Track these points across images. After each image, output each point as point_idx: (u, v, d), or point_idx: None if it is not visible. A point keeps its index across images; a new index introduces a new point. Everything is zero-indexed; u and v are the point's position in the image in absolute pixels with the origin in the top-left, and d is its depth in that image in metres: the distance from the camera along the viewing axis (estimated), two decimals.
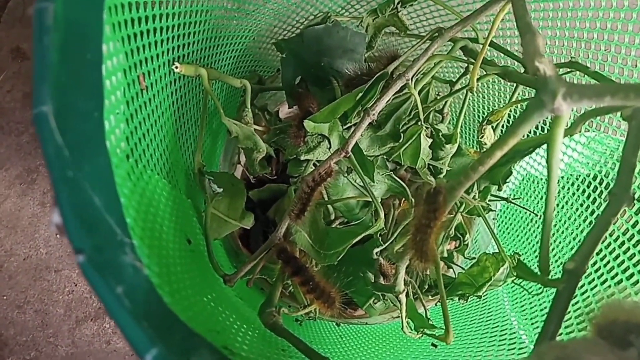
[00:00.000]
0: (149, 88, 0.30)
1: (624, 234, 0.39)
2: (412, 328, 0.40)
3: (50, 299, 0.76)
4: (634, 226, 0.37)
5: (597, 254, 0.41)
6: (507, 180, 0.37)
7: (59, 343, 0.76)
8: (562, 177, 0.60)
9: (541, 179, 0.64)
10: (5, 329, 0.75)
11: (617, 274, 0.37)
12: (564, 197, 0.58)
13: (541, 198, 0.64)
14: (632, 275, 0.35)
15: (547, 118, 0.33)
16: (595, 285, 0.38)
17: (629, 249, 0.37)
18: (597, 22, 0.38)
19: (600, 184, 0.52)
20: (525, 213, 0.64)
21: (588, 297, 0.38)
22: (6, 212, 0.77)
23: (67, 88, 0.18)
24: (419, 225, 0.28)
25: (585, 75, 0.37)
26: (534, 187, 0.66)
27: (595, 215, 0.50)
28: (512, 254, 0.48)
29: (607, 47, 0.38)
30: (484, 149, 0.46)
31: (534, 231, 0.60)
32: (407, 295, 0.38)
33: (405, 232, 0.42)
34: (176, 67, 0.34)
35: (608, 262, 0.39)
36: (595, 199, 0.52)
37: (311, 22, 0.51)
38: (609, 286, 0.37)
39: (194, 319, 0.22)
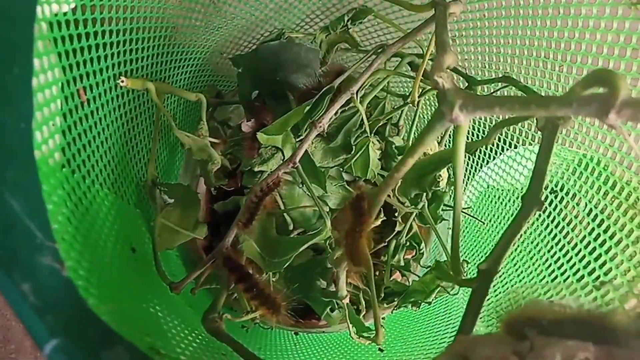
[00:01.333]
0: (91, 101, 0.31)
1: (538, 235, 0.41)
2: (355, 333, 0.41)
3: (12, 313, 0.75)
4: (545, 228, 0.39)
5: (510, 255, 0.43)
6: (434, 186, 0.39)
7: (21, 359, 0.75)
8: (518, 189, 0.62)
9: (500, 191, 0.67)
10: None
11: (522, 272, 0.39)
12: (515, 209, 0.60)
13: (498, 209, 0.66)
14: (540, 272, 0.37)
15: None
16: (505, 284, 0.40)
17: (531, 251, 0.39)
18: (527, 40, 0.40)
19: (551, 192, 0.54)
20: (490, 224, 0.66)
21: (499, 295, 0.40)
22: None
23: None
24: (348, 230, 0.29)
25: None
26: (494, 199, 0.68)
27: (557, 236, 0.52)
28: (462, 260, 0.50)
29: (536, 62, 0.40)
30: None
31: (487, 240, 0.62)
32: (351, 302, 0.39)
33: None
34: (122, 82, 0.35)
35: (516, 262, 0.41)
36: (551, 214, 0.54)
37: (266, 38, 0.53)
38: (519, 285, 0.39)
39: (122, 321, 0.23)
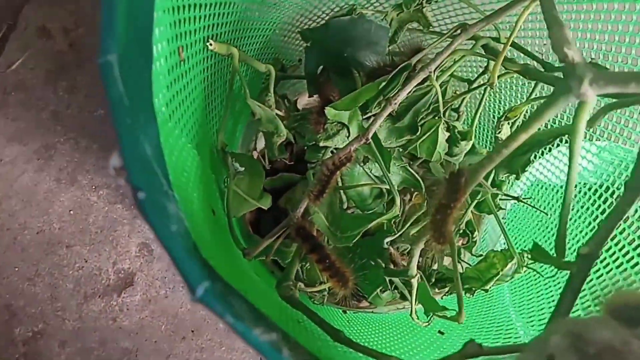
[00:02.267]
0: (187, 60, 0.31)
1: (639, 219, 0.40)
2: (423, 313, 0.41)
3: (60, 274, 0.78)
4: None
5: (612, 239, 0.42)
6: (526, 169, 0.38)
7: (67, 317, 0.77)
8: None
9: (549, 186, 0.65)
10: (16, 299, 0.76)
11: (633, 257, 0.38)
12: (573, 207, 0.59)
13: (548, 203, 0.65)
14: (637, 263, 0.36)
15: (566, 111, 0.34)
16: (611, 269, 0.39)
17: (634, 240, 0.38)
18: (620, 25, 0.39)
19: (612, 195, 0.52)
20: (533, 216, 0.65)
21: (604, 280, 0.39)
22: (22, 186, 0.79)
23: (128, 44, 0.19)
24: (440, 205, 0.29)
25: None
26: (542, 193, 0.67)
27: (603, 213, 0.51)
28: (521, 251, 0.49)
29: (628, 49, 0.39)
30: None
31: (539, 234, 0.61)
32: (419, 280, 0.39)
33: (419, 223, 0.43)
34: (210, 44, 0.35)
35: (623, 246, 0.40)
36: (600, 205, 0.53)
37: (337, 13, 0.52)
38: (625, 269, 0.38)
39: (226, 277, 0.23)
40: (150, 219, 0.16)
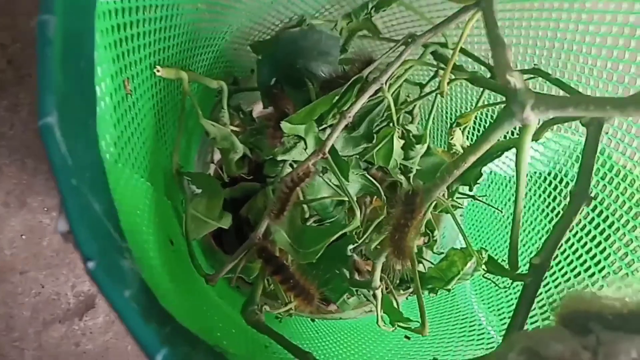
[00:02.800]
0: (133, 91, 0.31)
1: (582, 229, 0.42)
2: (387, 322, 0.42)
3: (15, 302, 0.75)
4: (590, 222, 0.40)
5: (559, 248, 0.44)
6: (478, 182, 0.39)
7: (25, 347, 0.74)
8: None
9: (504, 178, 0.68)
10: None
11: (576, 267, 0.40)
12: (528, 196, 0.62)
13: (505, 196, 0.67)
14: (589, 267, 0.38)
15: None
16: (557, 278, 0.41)
17: (586, 243, 0.40)
18: (558, 33, 0.40)
19: (560, 182, 0.55)
20: (491, 210, 0.67)
21: (550, 289, 0.41)
22: None
23: (67, 97, 0.18)
24: (397, 224, 0.29)
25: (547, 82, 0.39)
26: (498, 185, 0.69)
27: (557, 212, 0.53)
28: (479, 249, 0.50)
29: (567, 55, 0.41)
30: (453, 150, 0.49)
31: (498, 227, 0.64)
32: (382, 291, 0.39)
33: (381, 230, 0.44)
34: (157, 71, 0.34)
35: (568, 256, 0.42)
36: (555, 196, 0.55)
37: (287, 25, 0.52)
38: (569, 279, 0.40)
39: (186, 319, 0.23)
40: (103, 289, 0.15)
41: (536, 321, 0.39)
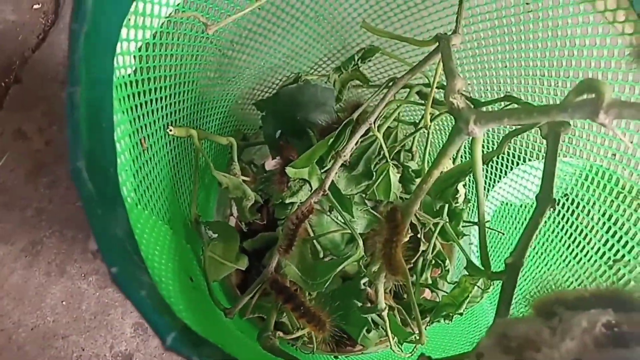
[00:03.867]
0: (150, 148, 0.36)
1: (552, 233, 0.44)
2: (398, 343, 0.44)
3: None
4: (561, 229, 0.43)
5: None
6: (457, 197, 0.42)
7: None
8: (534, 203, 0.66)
9: (519, 206, 0.70)
10: None
11: (548, 265, 0.42)
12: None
13: (518, 221, 0.69)
14: (559, 266, 0.40)
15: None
16: (534, 276, 0.43)
17: (552, 240, 0.42)
18: (522, 61, 0.45)
19: (572, 203, 0.57)
20: (501, 236, 0.69)
21: (527, 285, 0.43)
22: (13, 285, 0.81)
23: (92, 150, 0.23)
24: (385, 241, 0.33)
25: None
26: (511, 212, 0.71)
27: (569, 233, 0.55)
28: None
29: (534, 80, 0.45)
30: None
31: (505, 252, 0.65)
32: (392, 315, 0.42)
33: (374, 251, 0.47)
34: (170, 130, 0.40)
35: (540, 256, 0.44)
36: (568, 218, 0.57)
37: (285, 82, 0.58)
38: (542, 274, 0.42)
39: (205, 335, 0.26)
40: (123, 287, 0.20)
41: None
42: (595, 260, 0.38)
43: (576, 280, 0.39)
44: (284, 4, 0.53)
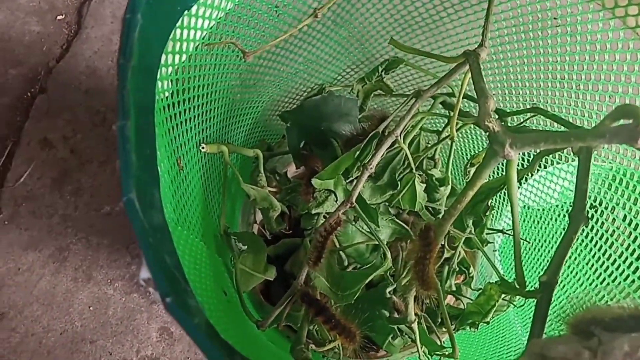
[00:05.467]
0: (184, 167, 0.37)
1: (585, 247, 0.44)
2: (427, 354, 0.44)
3: None
4: (591, 241, 0.43)
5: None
6: (488, 213, 0.43)
7: None
8: (557, 206, 0.65)
9: (539, 209, 0.70)
10: None
11: (580, 280, 0.42)
12: (557, 226, 0.63)
13: (541, 226, 0.69)
14: (592, 281, 0.40)
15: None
16: (566, 291, 0.43)
17: (589, 260, 0.42)
18: (550, 74, 0.45)
19: (596, 211, 0.56)
20: (526, 243, 0.69)
21: (562, 301, 0.43)
22: (42, 291, 0.83)
23: (140, 178, 0.24)
24: (417, 258, 0.33)
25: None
26: (533, 217, 0.71)
27: (595, 240, 0.55)
28: (514, 280, 0.53)
29: (561, 93, 0.45)
30: None
31: (536, 258, 0.65)
32: (418, 324, 0.42)
33: (406, 266, 0.47)
34: (203, 148, 0.41)
35: (572, 270, 0.44)
36: (592, 226, 0.57)
37: (309, 94, 0.59)
38: (577, 292, 0.42)
39: (243, 351, 0.27)
40: (178, 318, 0.20)
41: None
42: (628, 275, 0.38)
43: (608, 294, 0.39)
44: (301, 14, 0.54)
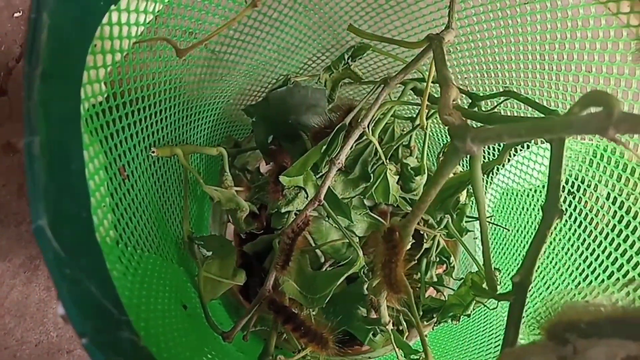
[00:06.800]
0: (130, 176, 0.34)
1: (557, 243, 0.42)
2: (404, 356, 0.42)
3: None
4: (568, 240, 0.41)
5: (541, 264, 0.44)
6: (458, 207, 0.41)
7: None
8: (538, 186, 0.64)
9: (520, 191, 0.68)
10: None
11: (555, 280, 0.40)
12: (539, 208, 0.61)
13: (522, 208, 0.67)
14: (575, 277, 0.39)
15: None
16: (541, 292, 0.41)
17: (562, 257, 0.41)
18: (521, 54, 0.43)
19: (572, 187, 0.54)
20: (506, 226, 0.67)
21: (536, 304, 0.41)
22: (14, 302, 0.80)
23: (57, 200, 0.22)
24: (384, 262, 0.31)
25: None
26: (515, 199, 0.69)
27: (579, 221, 0.53)
28: (494, 268, 0.51)
29: (533, 74, 0.43)
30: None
31: (513, 243, 0.64)
32: (393, 325, 0.40)
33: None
34: (153, 152, 0.38)
35: (549, 269, 0.42)
36: (576, 205, 0.55)
37: (274, 86, 0.56)
38: (551, 292, 0.40)
39: None
40: (94, 357, 0.18)
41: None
42: (612, 273, 0.36)
43: (590, 293, 0.37)
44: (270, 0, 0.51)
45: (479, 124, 0.29)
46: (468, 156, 0.27)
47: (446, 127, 0.25)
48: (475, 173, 0.26)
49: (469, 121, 0.26)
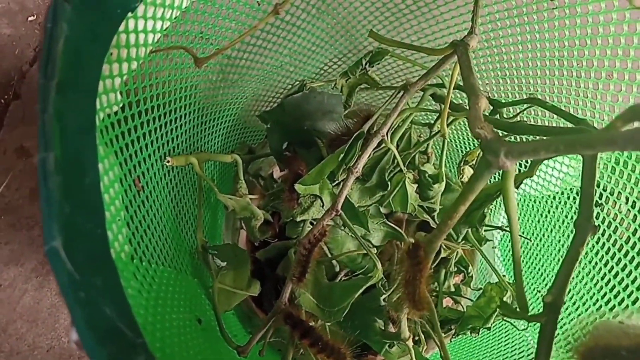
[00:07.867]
0: (145, 187, 0.33)
1: (589, 262, 0.40)
2: None
3: None
4: (596, 254, 0.39)
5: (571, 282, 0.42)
6: (483, 222, 0.39)
7: None
8: (557, 193, 0.62)
9: (541, 197, 0.66)
10: None
11: (586, 301, 0.38)
12: (568, 215, 0.59)
13: (542, 215, 0.65)
14: (596, 301, 0.37)
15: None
16: (569, 313, 0.40)
17: (589, 270, 0.39)
18: (556, 61, 0.41)
19: (600, 197, 0.52)
20: (524, 234, 0.66)
21: (564, 325, 0.39)
22: (25, 307, 0.80)
23: (71, 217, 0.21)
24: (407, 279, 0.30)
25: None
26: (533, 206, 0.67)
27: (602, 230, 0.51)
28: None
29: (560, 81, 0.41)
30: None
31: (534, 252, 0.62)
32: (413, 341, 0.39)
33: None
34: (168, 162, 0.37)
35: (576, 287, 0.40)
36: (598, 213, 0.52)
37: (289, 91, 0.55)
38: (581, 312, 0.38)
39: None
40: None
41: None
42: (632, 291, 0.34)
43: (621, 310, 0.36)
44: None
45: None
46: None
47: (476, 138, 0.23)
48: (508, 188, 0.24)
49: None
